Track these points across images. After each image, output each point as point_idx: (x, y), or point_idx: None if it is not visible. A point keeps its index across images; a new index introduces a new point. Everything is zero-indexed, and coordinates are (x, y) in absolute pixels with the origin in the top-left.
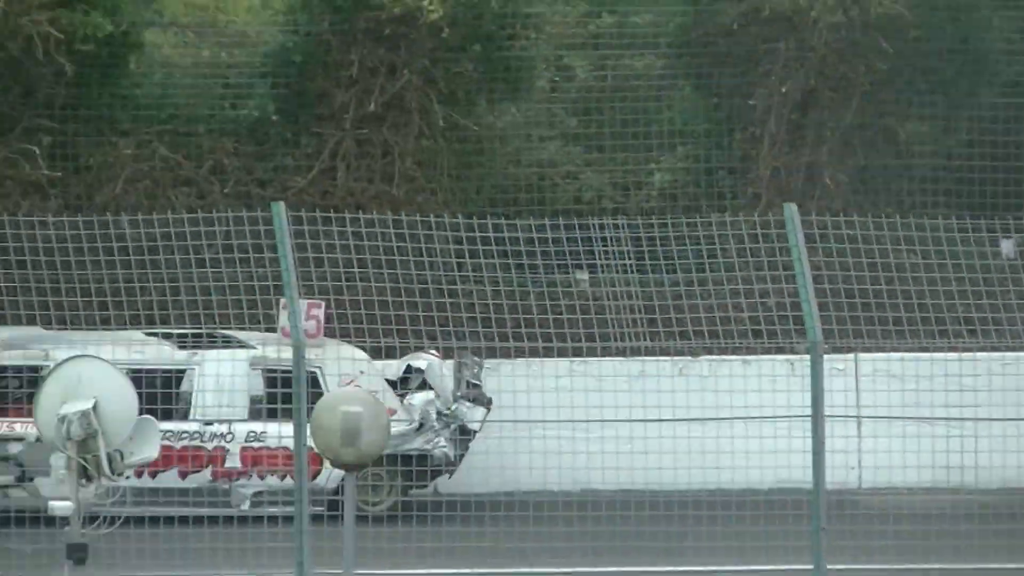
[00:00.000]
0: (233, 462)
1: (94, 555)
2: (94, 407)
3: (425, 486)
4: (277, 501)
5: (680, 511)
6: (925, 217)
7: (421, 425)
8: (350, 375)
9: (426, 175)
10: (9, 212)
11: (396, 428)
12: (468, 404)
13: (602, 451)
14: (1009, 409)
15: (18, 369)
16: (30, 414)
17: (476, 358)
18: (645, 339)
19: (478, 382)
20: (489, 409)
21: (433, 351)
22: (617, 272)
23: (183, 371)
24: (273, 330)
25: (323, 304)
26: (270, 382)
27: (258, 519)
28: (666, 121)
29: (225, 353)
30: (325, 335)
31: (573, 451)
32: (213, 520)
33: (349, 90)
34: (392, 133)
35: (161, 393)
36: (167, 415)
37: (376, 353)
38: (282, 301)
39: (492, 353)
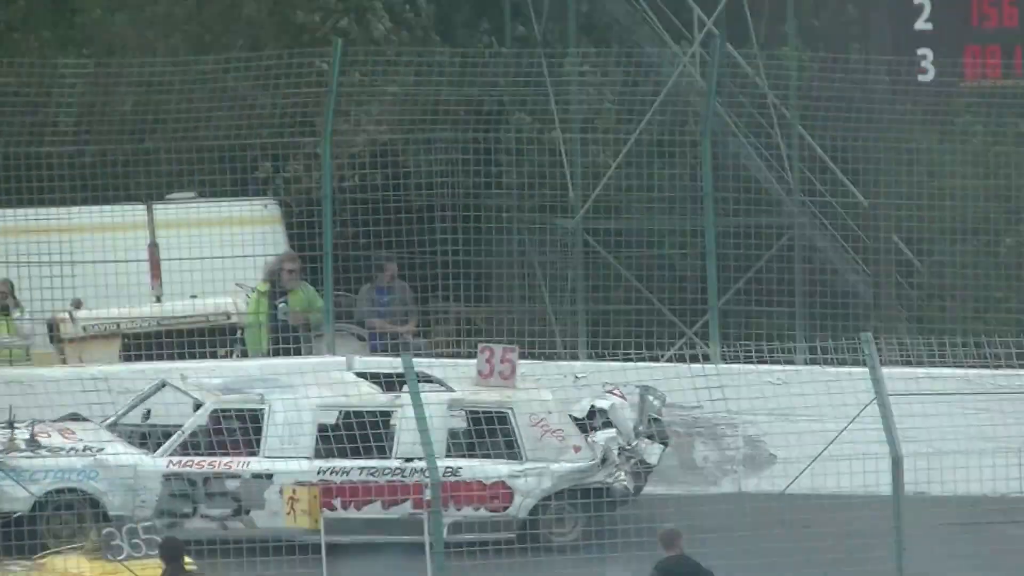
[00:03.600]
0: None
1: None
2: None
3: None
4: (473, 529)
5: None
6: None
7: (604, 460)
8: (539, 415)
9: None
10: None
11: (580, 463)
12: (647, 441)
13: None
14: None
15: (236, 412)
16: (246, 453)
17: (658, 393)
18: None
19: (659, 417)
20: (666, 446)
21: (616, 391)
22: None
23: (389, 412)
24: None
25: (516, 348)
26: (468, 422)
27: (455, 546)
28: None
29: (425, 397)
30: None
31: None
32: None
33: None
34: None
35: (372, 433)
36: (368, 452)
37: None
38: (479, 346)
39: None
